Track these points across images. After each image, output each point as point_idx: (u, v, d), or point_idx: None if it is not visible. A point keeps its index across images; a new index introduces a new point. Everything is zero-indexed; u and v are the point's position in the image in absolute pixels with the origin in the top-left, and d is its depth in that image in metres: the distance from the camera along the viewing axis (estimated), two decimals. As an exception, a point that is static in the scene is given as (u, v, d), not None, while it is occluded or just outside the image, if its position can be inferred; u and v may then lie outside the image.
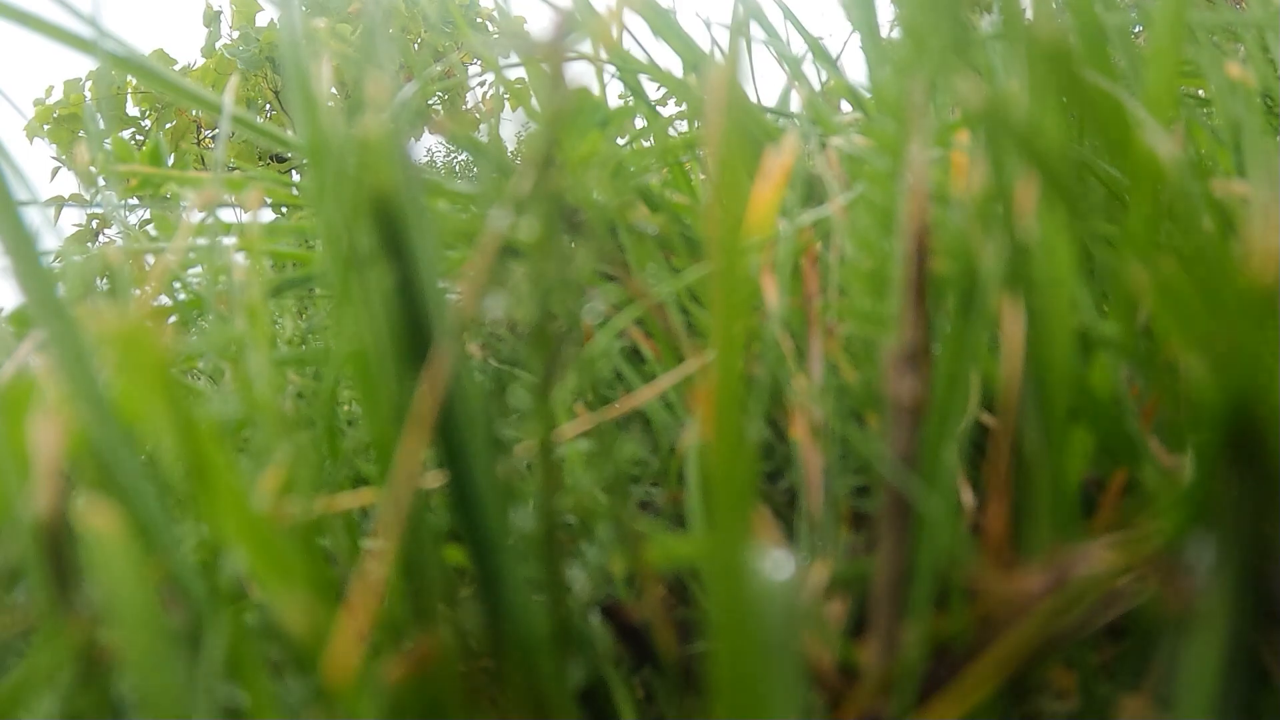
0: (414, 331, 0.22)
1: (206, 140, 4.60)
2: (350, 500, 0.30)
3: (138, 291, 0.33)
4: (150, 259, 0.44)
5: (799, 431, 0.33)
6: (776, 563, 0.19)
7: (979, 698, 0.24)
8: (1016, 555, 0.26)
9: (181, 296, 0.46)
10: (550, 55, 0.22)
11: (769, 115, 0.49)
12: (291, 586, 0.20)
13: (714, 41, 0.52)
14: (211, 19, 4.63)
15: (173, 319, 0.44)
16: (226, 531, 0.22)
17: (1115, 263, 0.27)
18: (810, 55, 0.50)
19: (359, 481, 0.36)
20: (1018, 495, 0.26)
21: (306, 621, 0.20)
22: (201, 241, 0.42)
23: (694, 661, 0.32)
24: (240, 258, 0.41)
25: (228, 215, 0.52)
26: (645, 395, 0.35)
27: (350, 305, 0.23)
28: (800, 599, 0.28)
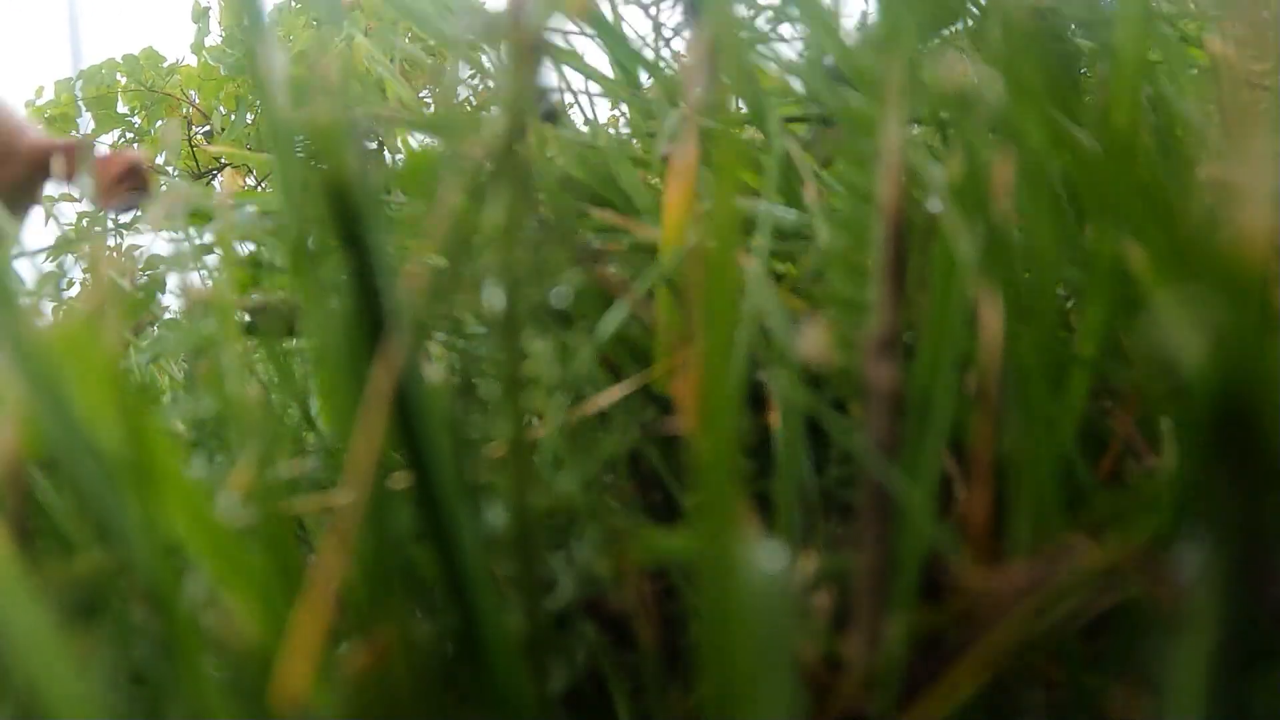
0: (371, 322, 0.21)
1: (197, 137, 4.59)
2: (318, 501, 0.29)
3: (90, 289, 0.32)
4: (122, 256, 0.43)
5: (781, 422, 0.32)
6: (767, 555, 0.19)
7: (964, 695, 0.23)
8: (1000, 548, 0.25)
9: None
10: (514, 34, 0.21)
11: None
12: (243, 590, 0.19)
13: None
14: (200, 15, 4.61)
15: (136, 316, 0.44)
16: (181, 536, 0.22)
17: (1093, 245, 0.26)
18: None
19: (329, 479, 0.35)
20: (1001, 487, 0.25)
21: (258, 626, 0.19)
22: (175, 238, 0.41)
23: (680, 655, 0.32)
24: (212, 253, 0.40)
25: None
26: (624, 390, 0.35)
27: (308, 297, 0.23)
28: (790, 592, 0.28)
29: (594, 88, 0.51)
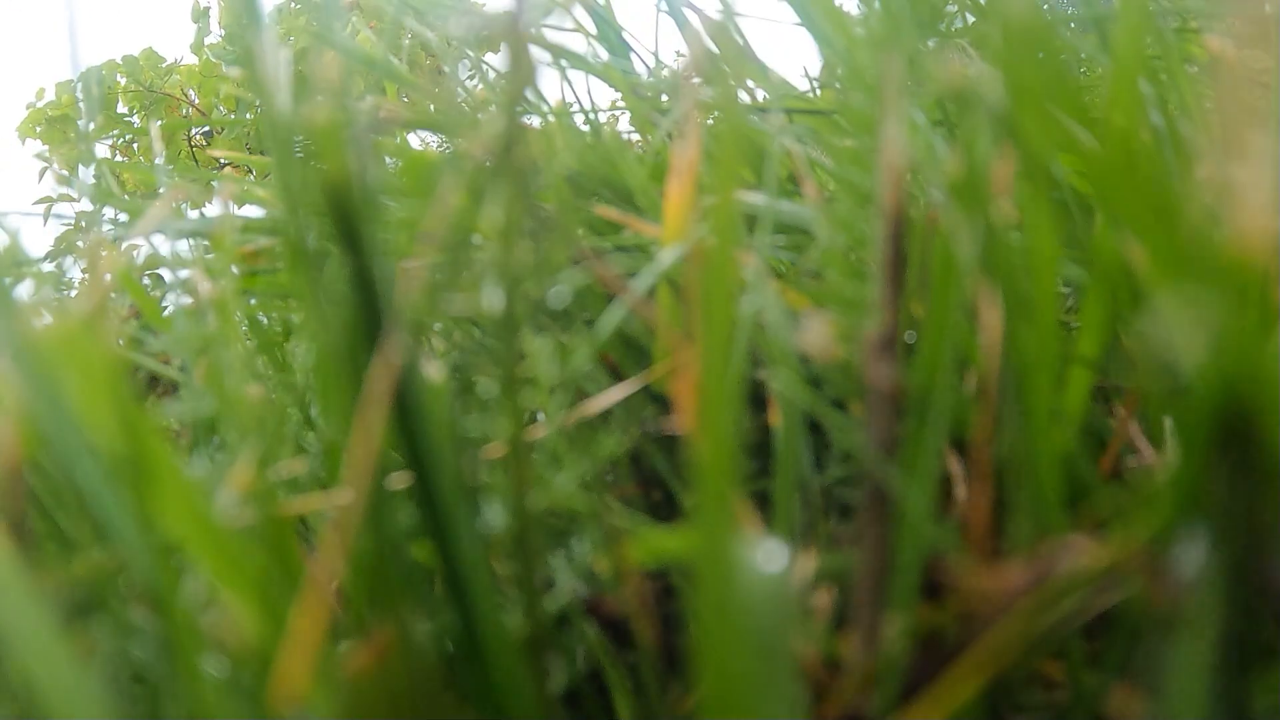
0: (369, 321, 0.21)
1: (197, 137, 4.58)
2: (317, 500, 0.29)
3: (88, 289, 0.32)
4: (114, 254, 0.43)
5: (780, 420, 0.32)
6: (768, 554, 0.19)
7: (964, 696, 0.23)
8: (1000, 547, 0.25)
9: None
10: (510, 31, 0.21)
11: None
12: (242, 589, 0.19)
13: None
14: (200, 15, 4.60)
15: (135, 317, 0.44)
16: (180, 535, 0.22)
17: (1094, 244, 0.26)
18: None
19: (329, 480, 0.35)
20: (1001, 486, 0.25)
21: (257, 625, 0.19)
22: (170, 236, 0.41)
23: (680, 654, 0.31)
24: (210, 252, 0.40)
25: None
26: (624, 390, 0.34)
27: (307, 296, 0.23)
28: (789, 592, 0.28)
29: (594, 81, 0.51)
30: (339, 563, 0.21)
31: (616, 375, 0.38)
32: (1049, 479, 0.25)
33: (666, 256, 0.33)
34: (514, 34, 0.22)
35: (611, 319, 0.34)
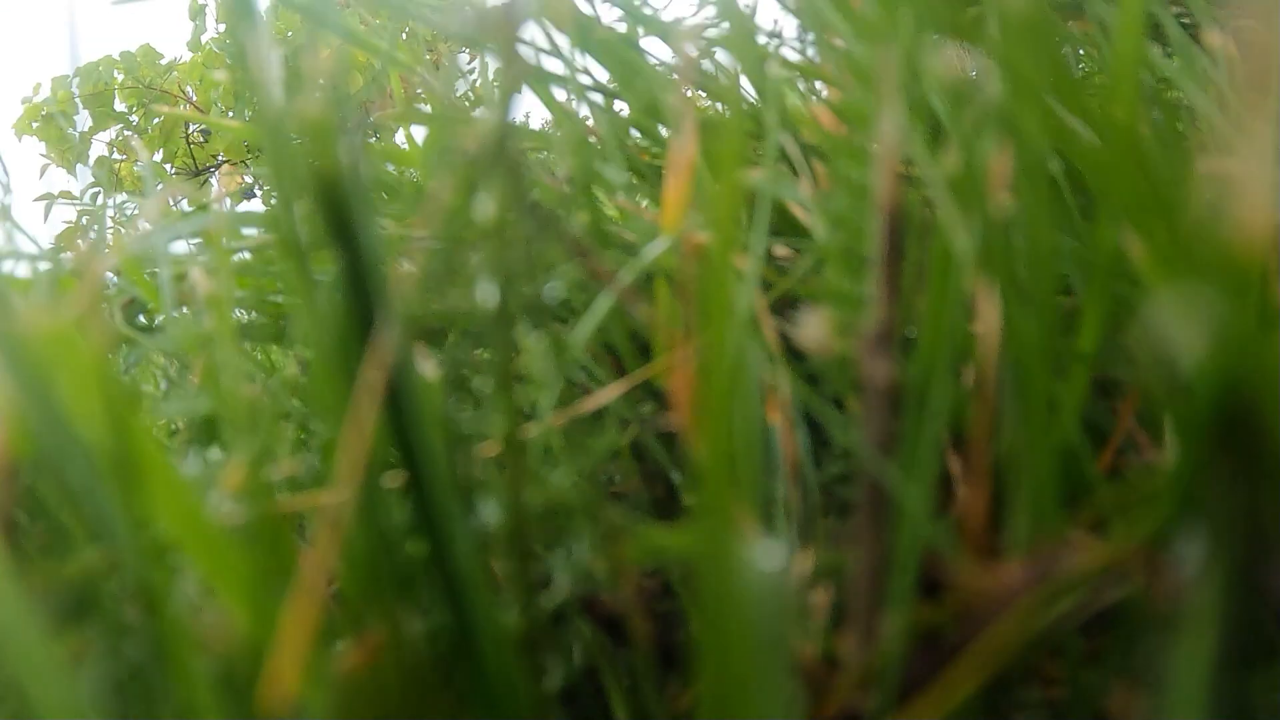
0: (362, 317, 0.21)
1: (195, 134, 4.57)
2: (309, 498, 0.29)
3: (82, 287, 0.32)
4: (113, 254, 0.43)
5: (777, 418, 0.32)
6: (766, 553, 0.19)
7: (962, 694, 0.23)
8: (999, 545, 0.25)
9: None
10: (502, 27, 0.21)
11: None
12: (233, 588, 0.19)
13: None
14: (197, 12, 4.60)
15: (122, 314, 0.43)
16: (172, 534, 0.21)
17: (1093, 238, 0.26)
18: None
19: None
20: (1000, 483, 0.25)
21: (248, 624, 0.19)
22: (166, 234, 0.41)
23: (676, 652, 0.31)
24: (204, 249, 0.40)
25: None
26: (623, 385, 0.34)
27: (300, 292, 0.22)
28: (788, 590, 0.28)
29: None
30: (332, 561, 0.21)
31: (620, 370, 0.38)
32: (1048, 476, 0.25)
33: (656, 248, 0.33)
34: (506, 27, 0.22)
35: (600, 311, 0.33)
